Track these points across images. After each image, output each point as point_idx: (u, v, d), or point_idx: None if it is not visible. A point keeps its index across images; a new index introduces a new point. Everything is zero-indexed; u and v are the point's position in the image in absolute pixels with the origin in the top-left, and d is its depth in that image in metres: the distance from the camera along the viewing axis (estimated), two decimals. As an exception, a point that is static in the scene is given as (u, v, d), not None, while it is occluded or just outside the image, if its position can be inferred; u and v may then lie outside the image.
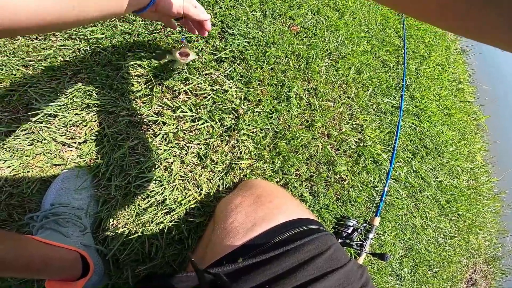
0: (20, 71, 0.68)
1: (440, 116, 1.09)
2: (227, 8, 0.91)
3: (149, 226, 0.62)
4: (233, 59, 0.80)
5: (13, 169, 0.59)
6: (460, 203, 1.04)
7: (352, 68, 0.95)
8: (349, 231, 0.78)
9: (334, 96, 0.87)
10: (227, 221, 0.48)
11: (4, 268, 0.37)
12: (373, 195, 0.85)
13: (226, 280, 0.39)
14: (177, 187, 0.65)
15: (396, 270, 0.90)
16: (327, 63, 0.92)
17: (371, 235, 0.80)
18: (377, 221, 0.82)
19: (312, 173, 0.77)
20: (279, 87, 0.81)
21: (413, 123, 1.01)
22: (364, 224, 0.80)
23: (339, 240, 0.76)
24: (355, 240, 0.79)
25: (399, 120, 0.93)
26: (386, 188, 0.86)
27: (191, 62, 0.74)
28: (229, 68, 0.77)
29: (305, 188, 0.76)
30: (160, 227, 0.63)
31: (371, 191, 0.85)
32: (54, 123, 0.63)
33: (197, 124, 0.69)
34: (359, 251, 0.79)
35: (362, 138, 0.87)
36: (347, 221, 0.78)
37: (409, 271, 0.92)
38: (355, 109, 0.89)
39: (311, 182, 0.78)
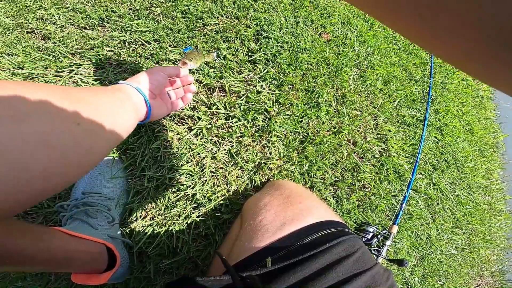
0: (67, 58, 0.64)
1: (462, 131, 1.00)
2: (261, 12, 0.85)
3: (177, 220, 0.58)
4: (266, 61, 0.75)
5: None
6: (474, 217, 0.96)
7: (379, 79, 0.88)
8: (369, 237, 0.72)
9: (361, 106, 0.81)
10: (256, 219, 0.44)
11: (25, 262, 0.32)
12: (393, 203, 0.78)
13: (261, 285, 0.34)
14: (208, 183, 0.61)
15: (407, 278, 0.83)
16: (355, 73, 0.85)
17: (388, 242, 0.74)
18: (395, 229, 0.76)
19: (336, 178, 0.71)
20: (310, 93, 0.75)
21: (435, 137, 0.93)
22: (384, 231, 0.74)
23: None
24: (373, 246, 0.72)
25: (423, 133, 0.85)
26: (406, 199, 0.79)
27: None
28: (263, 70, 0.72)
29: (329, 192, 0.70)
30: (188, 222, 0.58)
31: (392, 200, 0.78)
32: (95, 111, 0.59)
33: (231, 122, 0.64)
34: (376, 256, 0.72)
35: (386, 148, 0.80)
36: (367, 227, 0.72)
37: (419, 280, 0.85)
38: (380, 119, 0.82)
39: (335, 187, 0.72)
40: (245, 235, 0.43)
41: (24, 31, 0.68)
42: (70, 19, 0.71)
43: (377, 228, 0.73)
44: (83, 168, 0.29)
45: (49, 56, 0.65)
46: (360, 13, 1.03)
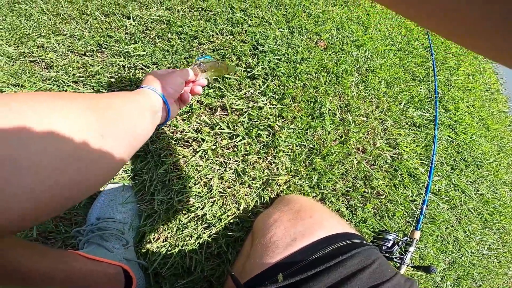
0: (70, 86, 0.73)
1: (476, 127, 1.05)
2: (255, 26, 0.94)
3: (189, 240, 0.63)
4: (265, 76, 0.82)
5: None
6: (503, 215, 0.99)
7: (382, 82, 0.94)
8: (389, 245, 0.75)
9: (367, 111, 0.87)
10: (266, 235, 0.47)
11: (45, 283, 0.38)
12: (412, 209, 0.82)
13: None
14: (216, 203, 0.66)
15: (438, 283, 0.85)
16: (357, 78, 0.92)
17: (411, 249, 0.77)
18: (417, 234, 0.79)
19: (348, 188, 0.76)
20: (312, 103, 0.81)
21: (449, 136, 0.98)
22: (405, 238, 0.77)
23: None
24: (395, 253, 0.75)
25: (435, 134, 0.90)
26: (426, 203, 0.83)
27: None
28: (262, 85, 0.79)
29: (342, 203, 0.75)
30: (200, 242, 0.63)
31: (410, 205, 0.82)
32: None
33: (235, 141, 0.70)
34: (399, 264, 0.75)
35: (398, 152, 0.85)
36: (386, 235, 0.75)
37: (452, 284, 0.86)
38: (388, 123, 0.88)
39: (347, 197, 0.76)
40: (256, 252, 0.46)
41: (27, 60, 0.77)
42: (69, 46, 0.80)
43: (397, 235, 0.76)
44: (105, 177, 0.32)
45: (53, 85, 0.73)
46: (353, 17, 1.12)
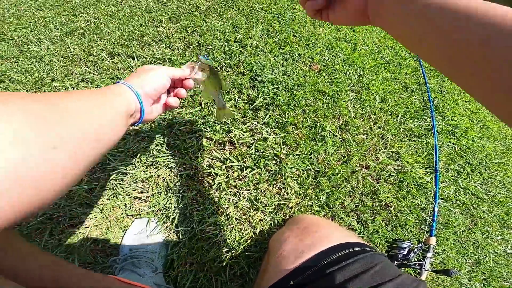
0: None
1: (477, 130, 1.16)
2: (251, 56, 1.10)
3: (213, 264, 0.75)
4: (267, 106, 0.96)
5: (96, 220, 0.76)
6: (520, 214, 1.07)
7: (377, 98, 1.07)
8: (405, 253, 0.83)
9: (365, 129, 0.99)
10: (278, 252, 0.57)
11: None
12: (424, 216, 0.92)
13: None
14: (234, 228, 0.78)
15: (466, 285, 0.92)
16: (352, 97, 1.06)
17: (429, 254, 0.85)
18: (433, 240, 0.87)
19: (357, 204, 0.87)
20: (313, 128, 0.95)
21: (450, 142, 1.08)
22: (420, 245, 0.86)
23: (396, 262, 0.81)
24: (413, 260, 0.84)
25: (435, 142, 1.02)
26: (436, 209, 0.92)
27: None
28: (265, 116, 0.93)
29: (352, 218, 0.85)
30: (223, 265, 0.75)
31: (421, 213, 0.92)
32: (126, 180, 0.80)
33: (245, 172, 0.83)
34: (419, 270, 0.83)
35: (401, 164, 0.96)
36: (400, 243, 0.84)
37: (481, 285, 0.93)
38: (388, 137, 1.00)
39: (357, 212, 0.87)
40: (270, 267, 0.57)
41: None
42: (84, 90, 0.95)
43: (411, 243, 0.85)
44: (58, 192, 0.30)
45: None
46: (340, 36, 1.28)
